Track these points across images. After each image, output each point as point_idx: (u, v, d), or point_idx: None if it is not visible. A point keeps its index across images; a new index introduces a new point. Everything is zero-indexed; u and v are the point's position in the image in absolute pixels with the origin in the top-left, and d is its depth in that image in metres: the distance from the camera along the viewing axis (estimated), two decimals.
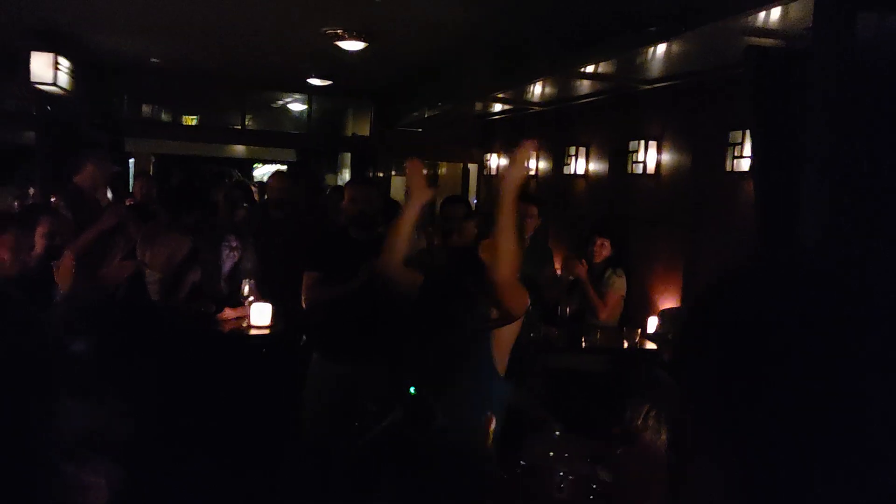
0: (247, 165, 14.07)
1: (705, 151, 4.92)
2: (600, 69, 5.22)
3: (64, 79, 7.24)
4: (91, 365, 3.71)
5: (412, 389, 2.57)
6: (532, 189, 7.45)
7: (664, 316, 5.07)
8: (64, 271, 3.12)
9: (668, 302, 5.25)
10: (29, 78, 6.93)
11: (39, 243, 3.42)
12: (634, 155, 5.64)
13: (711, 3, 3.73)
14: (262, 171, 14.51)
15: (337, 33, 5.64)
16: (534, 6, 4.92)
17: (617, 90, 5.93)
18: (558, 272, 5.43)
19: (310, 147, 11.59)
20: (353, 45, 5.78)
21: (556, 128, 7.19)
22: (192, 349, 4.44)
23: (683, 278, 5.13)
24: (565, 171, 6.83)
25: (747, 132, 4.38)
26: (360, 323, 3.87)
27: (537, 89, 6.41)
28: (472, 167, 9.63)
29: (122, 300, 4.14)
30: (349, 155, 11.64)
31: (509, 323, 2.72)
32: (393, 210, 5.41)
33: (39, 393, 0.89)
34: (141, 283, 4.46)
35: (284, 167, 13.49)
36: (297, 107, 11.35)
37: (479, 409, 2.69)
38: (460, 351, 2.76)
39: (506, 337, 2.80)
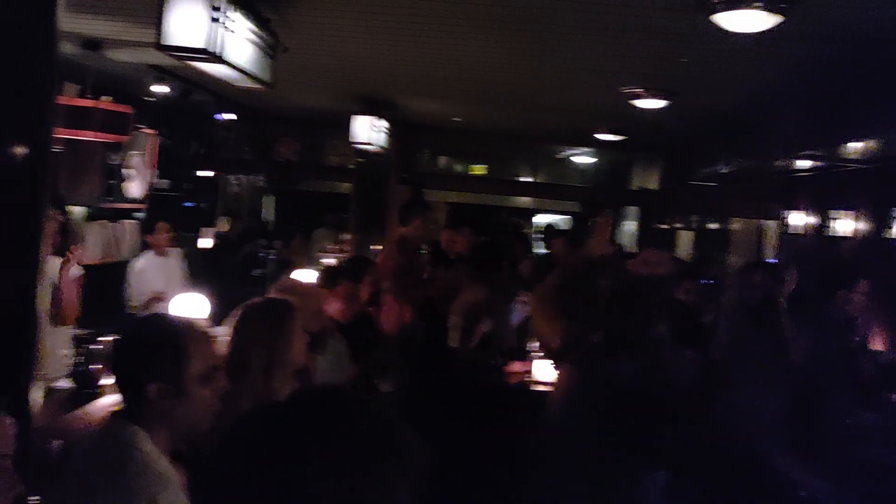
0: (530, 215, 14.46)
1: None
2: None
3: (379, 138, 8.07)
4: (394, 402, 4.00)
5: None
6: (850, 254, 6.70)
7: None
8: (388, 316, 3.40)
9: None
10: (351, 138, 7.83)
11: (366, 292, 3.78)
12: None
13: None
14: (541, 220, 14.78)
15: (636, 92, 5.60)
16: (853, 62, 4.48)
17: None
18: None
19: (595, 200, 11.62)
20: (652, 104, 5.70)
21: (880, 187, 6.41)
22: (480, 395, 4.60)
23: None
24: (888, 234, 6.04)
25: None
26: None
27: (855, 146, 5.78)
28: (770, 225, 8.94)
29: (423, 341, 4.41)
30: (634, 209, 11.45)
31: None
32: (689, 272, 5.20)
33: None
34: (444, 326, 4.72)
35: (566, 217, 13.67)
36: (583, 159, 11.47)
37: None
38: None
39: None
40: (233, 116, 9.39)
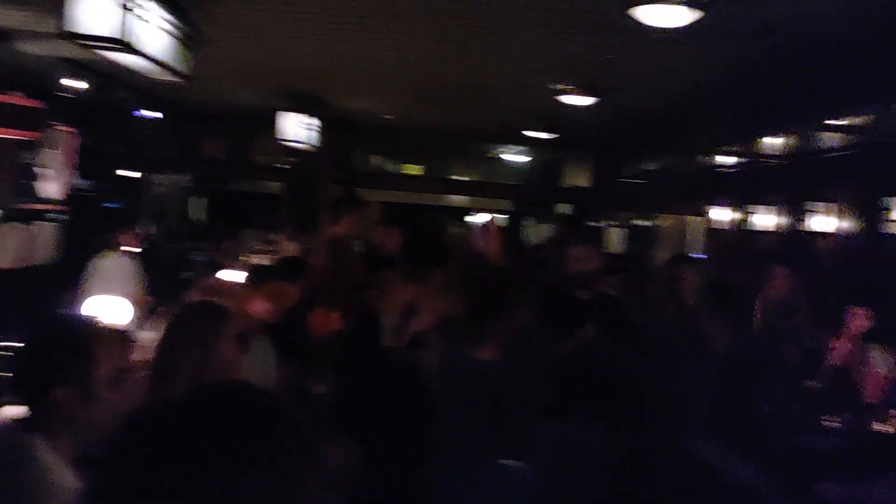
0: (463, 214, 14.51)
1: None
2: (855, 122, 4.75)
3: (309, 135, 7.94)
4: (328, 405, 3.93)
5: None
6: (771, 247, 6.93)
7: None
8: (320, 317, 3.33)
9: None
10: (279, 135, 7.67)
11: (297, 292, 3.68)
12: (889, 213, 5.04)
13: None
14: (476, 220, 14.85)
15: (565, 89, 5.65)
16: (778, 58, 4.62)
17: (868, 143, 5.36)
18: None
19: (526, 198, 11.73)
20: (581, 101, 5.76)
21: (797, 181, 6.65)
22: (413, 395, 4.58)
23: None
24: (804, 227, 6.27)
25: None
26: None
27: (775, 141, 5.98)
28: (697, 220, 9.19)
29: (355, 342, 4.34)
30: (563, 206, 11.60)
31: None
32: (617, 265, 5.28)
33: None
34: (376, 326, 4.67)
35: (500, 216, 13.75)
36: (513, 158, 11.55)
37: None
38: None
39: None
40: (157, 114, 9.10)
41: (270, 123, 7.70)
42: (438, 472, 3.05)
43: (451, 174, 11.88)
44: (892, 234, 5.00)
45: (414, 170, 12.07)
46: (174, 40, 3.91)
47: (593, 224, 10.11)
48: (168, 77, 4.04)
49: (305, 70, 6.36)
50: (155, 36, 3.62)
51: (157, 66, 3.76)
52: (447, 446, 3.01)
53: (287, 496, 0.75)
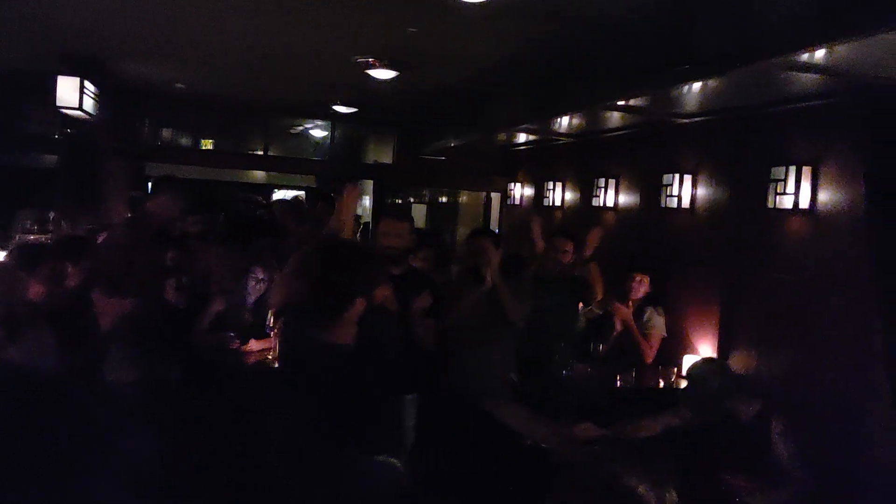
0: (266, 191, 14.04)
1: (746, 187, 4.80)
2: (634, 102, 5.13)
3: (89, 103, 7.23)
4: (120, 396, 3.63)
5: None
6: (559, 221, 7.35)
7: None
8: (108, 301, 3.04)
9: (704, 341, 5.10)
10: (54, 102, 6.91)
11: (78, 275, 3.33)
12: (668, 188, 5.52)
13: (754, 43, 3.63)
14: (281, 196, 14.46)
15: (368, 62, 5.58)
16: (568, 40, 4.86)
17: (649, 123, 5.84)
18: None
19: (330, 174, 11.56)
20: (383, 74, 5.72)
21: (585, 159, 7.11)
22: (216, 379, 4.36)
23: (720, 317, 4.98)
24: (594, 203, 6.73)
25: (791, 168, 4.27)
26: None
27: (566, 120, 6.32)
28: (495, 196, 9.56)
29: (152, 325, 4.04)
30: (370, 182, 11.59)
31: None
32: (425, 241, 5.34)
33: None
34: (173, 308, 4.36)
35: (301, 193, 13.47)
36: (317, 133, 11.33)
37: None
38: None
39: None
40: None
41: (46, 89, 6.91)
42: (280, 467, 2.87)
43: (252, 149, 11.41)
44: (670, 208, 5.49)
45: (210, 144, 11.46)
46: None
47: (398, 201, 10.19)
48: None
49: (86, 30, 5.76)
50: None
51: None
52: (290, 440, 2.83)
53: (72, 487, 0.66)
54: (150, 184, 11.10)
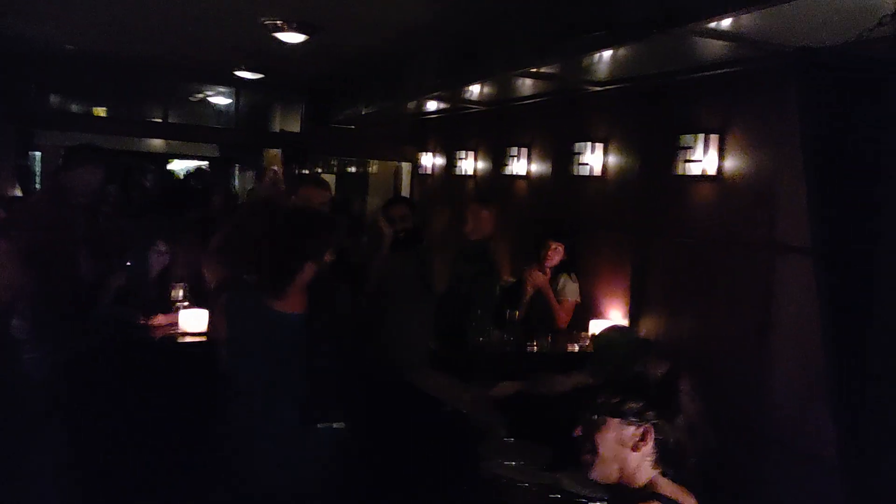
0: (164, 160, 13.43)
1: (655, 155, 4.91)
2: (545, 70, 5.14)
3: None
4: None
5: None
6: (472, 190, 7.36)
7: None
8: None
9: (615, 306, 5.23)
10: None
11: None
12: (579, 157, 5.60)
13: (668, 10, 3.67)
14: (180, 167, 13.89)
15: (276, 24, 5.36)
16: (482, 6, 4.80)
17: (561, 91, 5.88)
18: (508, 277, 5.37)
19: (234, 143, 11.15)
20: (292, 38, 5.51)
21: (497, 128, 7.11)
22: (122, 356, 4.20)
23: (630, 283, 5.11)
24: (506, 171, 6.76)
25: (699, 136, 4.39)
26: None
27: (477, 89, 6.29)
28: (406, 166, 9.47)
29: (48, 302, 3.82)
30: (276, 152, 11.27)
31: None
32: (337, 210, 5.25)
33: None
34: (71, 283, 4.14)
35: (205, 163, 12.96)
36: (220, 100, 10.90)
37: None
38: None
39: None
40: None
41: None
42: (231, 436, 2.74)
43: (150, 117, 10.86)
44: (582, 176, 5.57)
45: (103, 111, 10.83)
46: None
47: (305, 171, 9.94)
48: None
49: None
50: None
51: None
52: (239, 408, 2.70)
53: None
54: (63, 154, 10.45)
